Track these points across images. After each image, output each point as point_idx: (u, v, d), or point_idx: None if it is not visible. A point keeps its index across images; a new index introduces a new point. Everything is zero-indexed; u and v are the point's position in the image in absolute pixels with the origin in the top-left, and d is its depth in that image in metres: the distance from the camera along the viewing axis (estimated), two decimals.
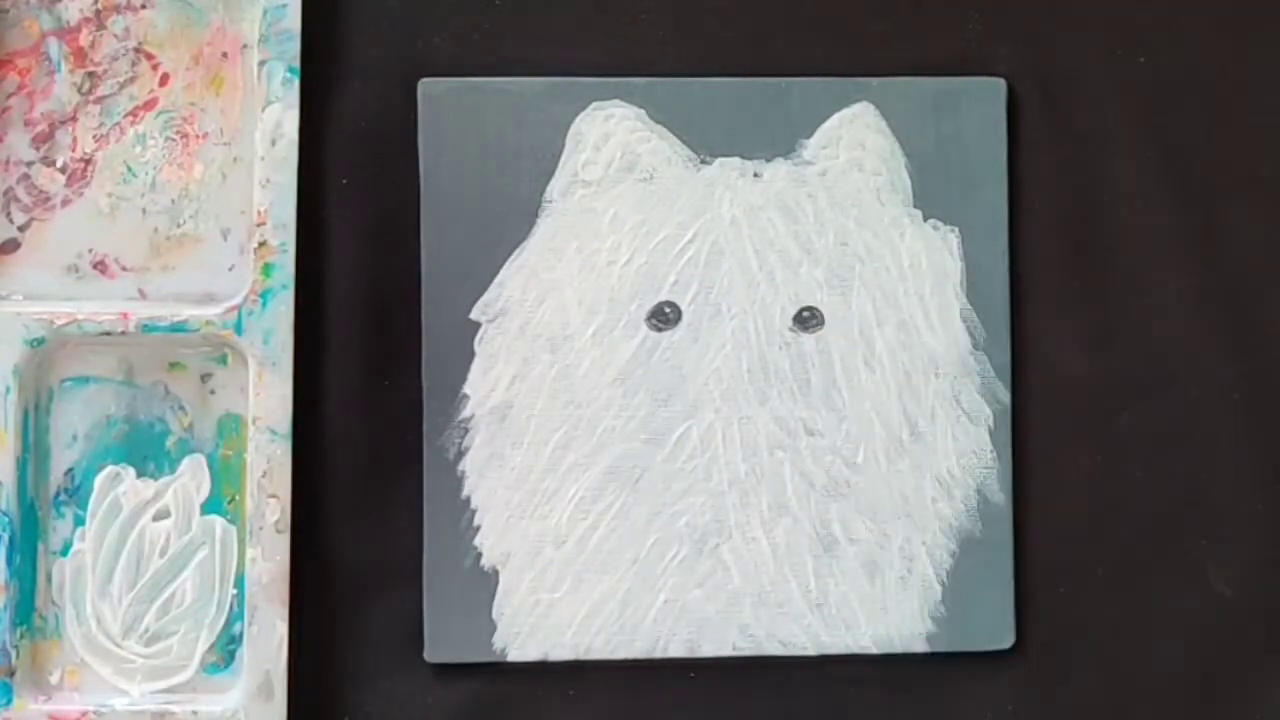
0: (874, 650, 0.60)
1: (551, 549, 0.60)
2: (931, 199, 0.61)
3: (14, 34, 0.60)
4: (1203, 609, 0.61)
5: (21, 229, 0.60)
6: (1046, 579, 0.61)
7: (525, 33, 0.61)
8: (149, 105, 0.60)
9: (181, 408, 0.60)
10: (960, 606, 0.60)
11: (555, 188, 0.60)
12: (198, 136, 0.60)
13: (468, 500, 0.60)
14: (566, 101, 0.60)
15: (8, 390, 0.58)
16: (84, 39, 0.60)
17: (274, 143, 0.59)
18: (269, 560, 0.58)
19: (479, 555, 0.60)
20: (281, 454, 0.58)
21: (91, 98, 0.60)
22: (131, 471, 0.59)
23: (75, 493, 0.59)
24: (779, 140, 0.60)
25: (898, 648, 0.60)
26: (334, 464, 0.60)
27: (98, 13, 0.60)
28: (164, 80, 0.60)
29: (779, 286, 0.60)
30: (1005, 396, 0.60)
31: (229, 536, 0.59)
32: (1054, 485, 0.61)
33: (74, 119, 0.60)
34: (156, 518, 0.59)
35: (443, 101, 0.60)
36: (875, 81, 0.61)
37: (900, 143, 0.60)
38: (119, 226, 0.60)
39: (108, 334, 0.59)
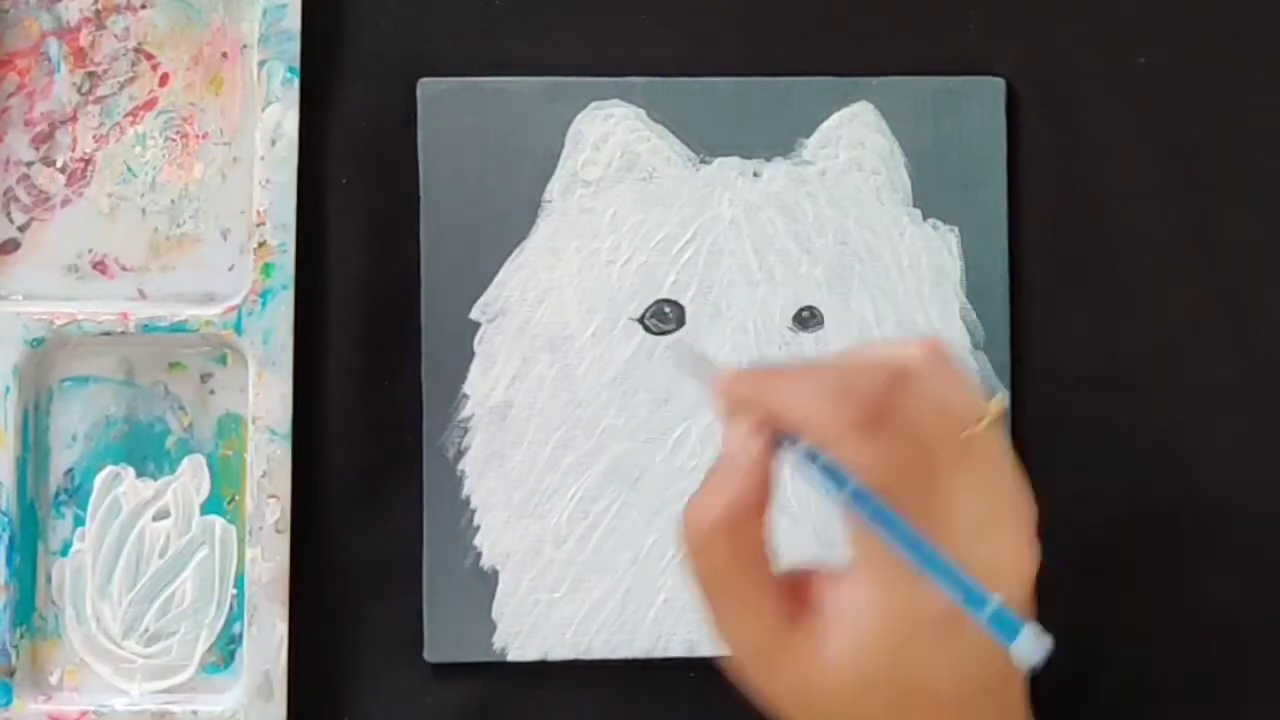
0: None
1: (551, 549, 0.60)
2: (931, 198, 0.61)
3: (14, 34, 0.60)
4: (1203, 609, 0.61)
5: (21, 229, 0.60)
6: (1047, 579, 0.61)
7: (525, 33, 0.61)
8: (149, 105, 0.60)
9: (181, 408, 0.60)
10: None
11: (555, 187, 0.60)
12: (198, 136, 0.60)
13: (468, 500, 0.60)
14: (566, 101, 0.60)
15: (8, 390, 0.58)
16: (84, 39, 0.60)
17: (274, 143, 0.59)
18: (269, 560, 0.58)
19: (479, 555, 0.60)
20: (281, 454, 0.58)
21: (91, 98, 0.60)
22: (131, 471, 0.59)
23: (75, 493, 0.59)
24: (778, 140, 0.60)
25: None
26: (334, 464, 0.60)
27: (98, 13, 0.60)
28: (164, 80, 0.60)
29: (779, 286, 0.60)
30: (1005, 396, 0.60)
31: (229, 536, 0.59)
32: (1054, 485, 0.61)
33: (74, 119, 0.60)
34: (156, 518, 0.59)
35: (443, 101, 0.60)
36: (875, 81, 0.61)
37: (900, 142, 0.61)
38: (119, 226, 0.60)
39: (108, 334, 0.59)
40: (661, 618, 0.60)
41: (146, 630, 0.59)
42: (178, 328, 0.59)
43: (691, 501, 0.48)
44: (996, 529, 0.48)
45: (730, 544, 0.48)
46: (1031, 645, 0.43)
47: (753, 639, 0.49)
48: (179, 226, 0.60)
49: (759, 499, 0.48)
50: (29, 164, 0.60)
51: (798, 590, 0.49)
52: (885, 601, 0.47)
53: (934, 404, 0.48)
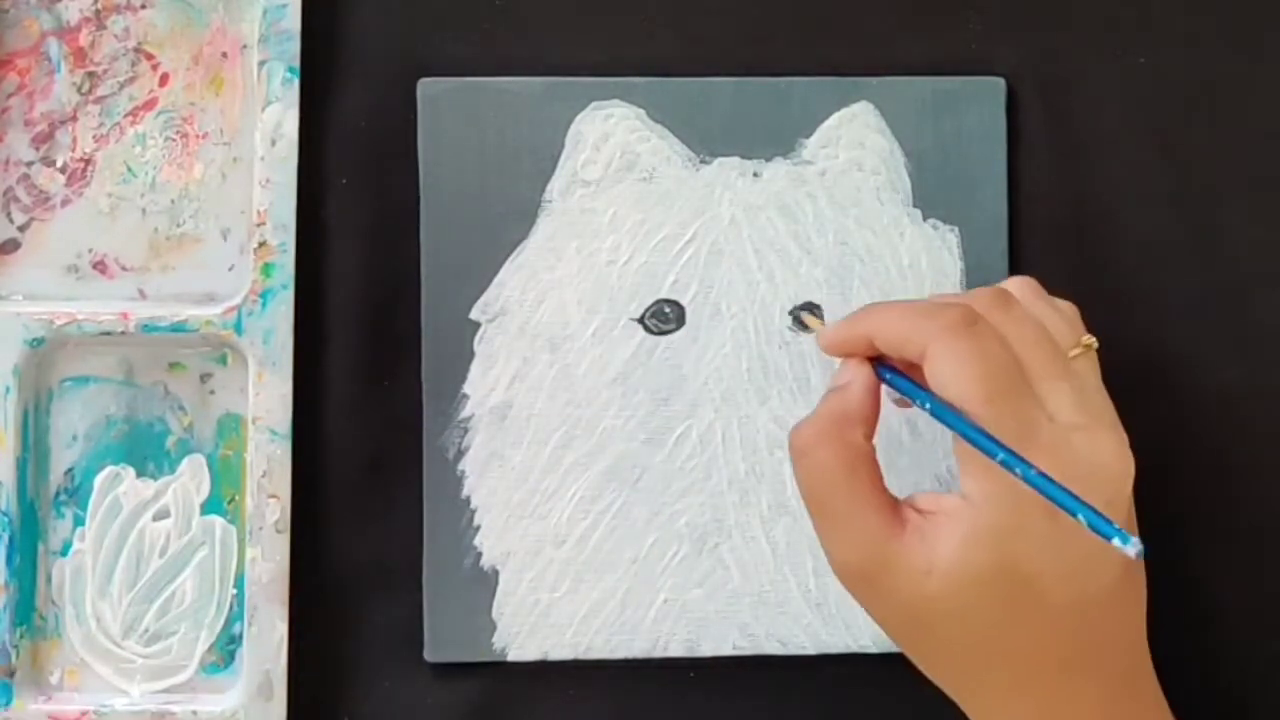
0: (874, 650, 0.60)
1: (551, 549, 0.60)
2: (931, 199, 0.61)
3: (14, 34, 0.60)
4: (1203, 609, 0.61)
5: (21, 229, 0.60)
6: None
7: (525, 33, 0.61)
8: (149, 105, 0.60)
9: (181, 408, 0.60)
10: None
11: (555, 187, 0.60)
12: (198, 136, 0.60)
13: (468, 500, 0.60)
14: (566, 101, 0.60)
15: (8, 390, 0.58)
16: (84, 39, 0.60)
17: (274, 143, 0.59)
18: (269, 560, 0.58)
19: (479, 555, 0.60)
20: (281, 454, 0.58)
21: (91, 98, 0.60)
22: (131, 471, 0.59)
23: (75, 493, 0.59)
24: (779, 140, 0.60)
25: (898, 647, 0.60)
26: (334, 464, 0.60)
27: (98, 13, 0.60)
28: (164, 80, 0.60)
29: (778, 286, 0.60)
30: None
31: (229, 536, 0.59)
32: None
33: (74, 119, 0.60)
34: (156, 518, 0.59)
35: (443, 101, 0.60)
36: (875, 81, 0.61)
37: (900, 142, 0.61)
38: (119, 226, 0.60)
39: (108, 334, 0.59)
40: (661, 618, 0.60)
41: (146, 630, 0.59)
42: (178, 328, 0.59)
43: (801, 420, 0.51)
44: (1094, 430, 0.50)
45: (835, 447, 0.51)
46: (1126, 543, 0.45)
47: (859, 549, 0.51)
48: (179, 226, 0.60)
49: (864, 412, 0.51)
50: (29, 164, 0.60)
51: (905, 508, 0.51)
52: (991, 490, 0.49)
53: (1033, 321, 0.51)
